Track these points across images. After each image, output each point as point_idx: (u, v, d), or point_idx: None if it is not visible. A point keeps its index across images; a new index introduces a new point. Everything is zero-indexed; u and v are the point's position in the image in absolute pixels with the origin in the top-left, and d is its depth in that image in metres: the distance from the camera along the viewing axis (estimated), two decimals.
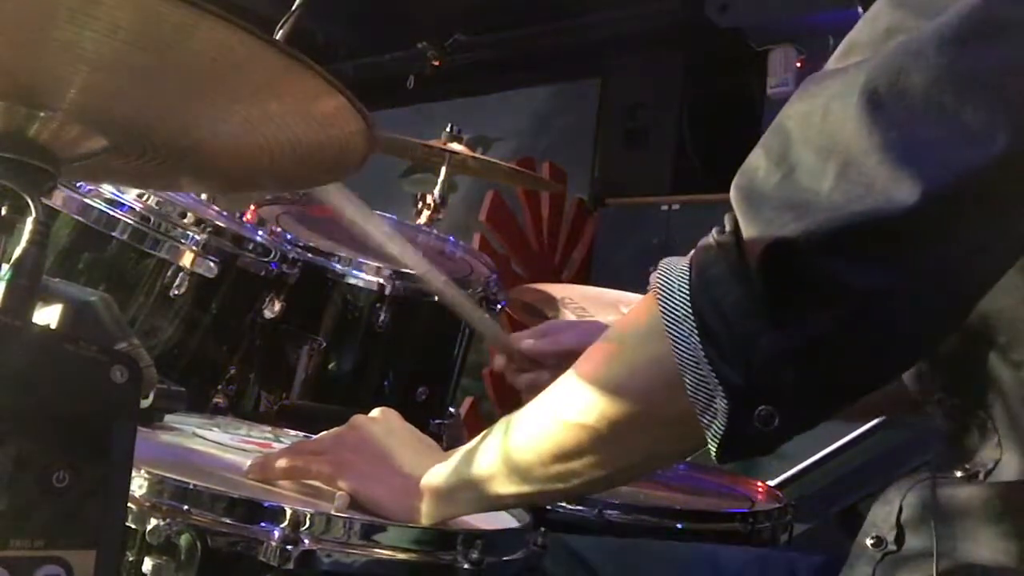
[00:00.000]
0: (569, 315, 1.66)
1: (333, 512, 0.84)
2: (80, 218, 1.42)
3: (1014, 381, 0.74)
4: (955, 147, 0.60)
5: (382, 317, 1.71)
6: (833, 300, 0.62)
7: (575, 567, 0.98)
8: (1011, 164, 0.60)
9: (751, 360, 0.63)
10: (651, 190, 4.10)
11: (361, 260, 1.73)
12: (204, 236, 1.49)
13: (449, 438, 1.83)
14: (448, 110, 4.46)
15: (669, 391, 0.67)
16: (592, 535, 1.15)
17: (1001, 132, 0.60)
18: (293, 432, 1.24)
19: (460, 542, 0.82)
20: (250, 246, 1.57)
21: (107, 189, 1.43)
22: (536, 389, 0.88)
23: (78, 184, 1.40)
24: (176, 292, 1.47)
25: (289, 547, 0.76)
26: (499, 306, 1.87)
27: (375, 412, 0.97)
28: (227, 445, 1.10)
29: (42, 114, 0.68)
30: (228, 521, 0.78)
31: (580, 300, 1.64)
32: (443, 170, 2.19)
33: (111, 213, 1.43)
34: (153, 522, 0.76)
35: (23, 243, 0.69)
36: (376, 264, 1.73)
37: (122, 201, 1.43)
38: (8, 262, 0.69)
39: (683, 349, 0.66)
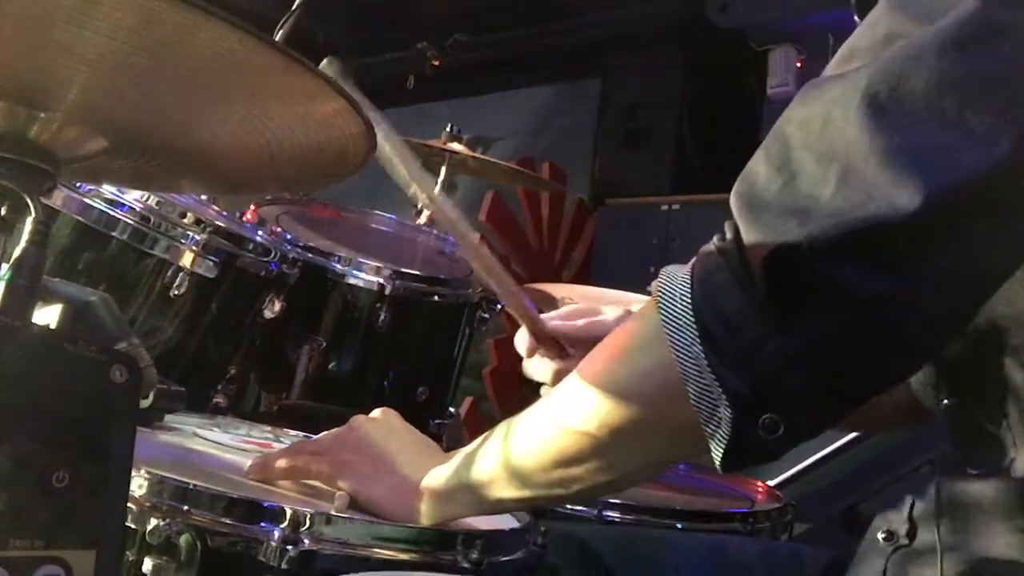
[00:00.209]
0: None
1: (333, 512, 0.84)
2: (80, 218, 1.42)
3: None
4: (957, 152, 0.60)
5: (382, 317, 1.71)
6: (837, 305, 0.62)
7: (580, 557, 0.98)
8: (1014, 168, 0.60)
9: (755, 367, 0.63)
10: (651, 190, 4.10)
11: (361, 260, 1.74)
12: (204, 236, 1.49)
13: (449, 438, 1.83)
14: (448, 110, 4.46)
15: (671, 399, 0.67)
16: None
17: (1003, 136, 0.60)
18: (293, 432, 1.24)
19: (460, 542, 0.82)
20: (250, 246, 1.57)
21: (107, 189, 1.43)
22: (560, 376, 0.86)
23: (78, 184, 1.40)
24: (176, 292, 1.47)
25: (289, 547, 0.76)
26: (499, 306, 1.87)
27: (375, 412, 0.97)
28: (227, 445, 1.10)
29: (42, 115, 0.68)
30: (228, 521, 0.78)
31: (580, 300, 1.63)
32: (443, 170, 2.19)
33: (111, 213, 1.43)
34: (153, 522, 0.76)
35: (23, 243, 0.69)
36: (376, 264, 1.73)
37: (122, 201, 1.44)
38: (8, 262, 0.69)
39: (685, 357, 0.65)
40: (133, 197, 1.44)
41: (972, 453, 0.78)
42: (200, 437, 1.10)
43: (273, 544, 0.76)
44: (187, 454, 1.01)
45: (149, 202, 1.46)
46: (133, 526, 0.76)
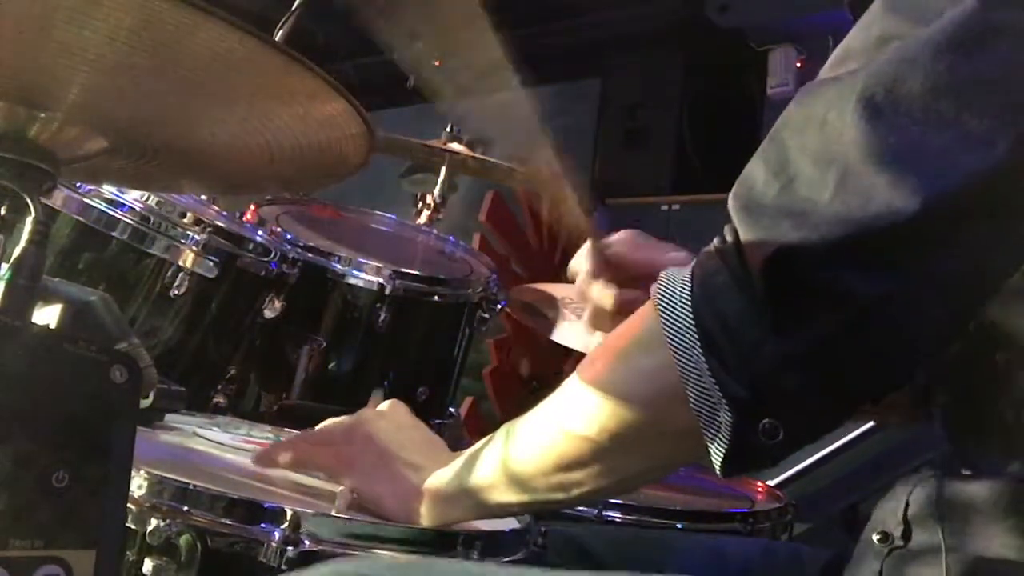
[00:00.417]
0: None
1: (334, 513, 0.84)
2: (80, 218, 1.42)
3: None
4: (955, 153, 0.60)
5: (382, 317, 1.71)
6: (835, 307, 0.62)
7: (578, 558, 0.98)
8: (1012, 169, 0.60)
9: (754, 369, 0.63)
10: (651, 190, 4.10)
11: (361, 260, 1.73)
12: (204, 236, 1.49)
13: (449, 438, 1.82)
14: (448, 110, 4.45)
15: (671, 403, 0.67)
16: None
17: (1001, 138, 0.59)
18: (293, 432, 1.24)
19: (460, 543, 0.82)
20: (250, 246, 1.57)
21: (107, 189, 1.43)
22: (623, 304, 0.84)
23: (78, 184, 1.40)
24: (176, 292, 1.47)
25: (289, 548, 0.76)
26: (499, 306, 1.87)
27: (384, 405, 0.97)
28: (227, 445, 1.10)
29: (42, 115, 0.69)
30: (228, 522, 0.78)
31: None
32: (443, 170, 2.19)
33: (111, 213, 1.43)
34: (153, 523, 0.76)
35: (23, 243, 0.69)
36: (376, 264, 1.73)
37: (122, 201, 1.43)
38: (8, 262, 0.69)
39: (685, 360, 0.65)
40: (133, 197, 1.44)
41: (968, 453, 0.78)
42: (200, 437, 1.10)
43: (273, 545, 0.76)
44: (187, 454, 1.01)
45: (149, 202, 1.46)
46: (133, 526, 0.76)
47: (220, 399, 1.58)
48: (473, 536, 0.83)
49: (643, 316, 0.73)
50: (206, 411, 1.44)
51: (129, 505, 0.73)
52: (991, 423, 0.77)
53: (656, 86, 4.29)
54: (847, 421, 0.71)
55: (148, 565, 0.76)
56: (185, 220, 1.49)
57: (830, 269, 0.61)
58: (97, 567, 0.63)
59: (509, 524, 0.93)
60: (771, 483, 1.72)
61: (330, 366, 1.76)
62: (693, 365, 0.65)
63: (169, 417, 1.11)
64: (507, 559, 0.86)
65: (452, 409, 1.95)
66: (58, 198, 1.39)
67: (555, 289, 1.78)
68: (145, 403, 0.77)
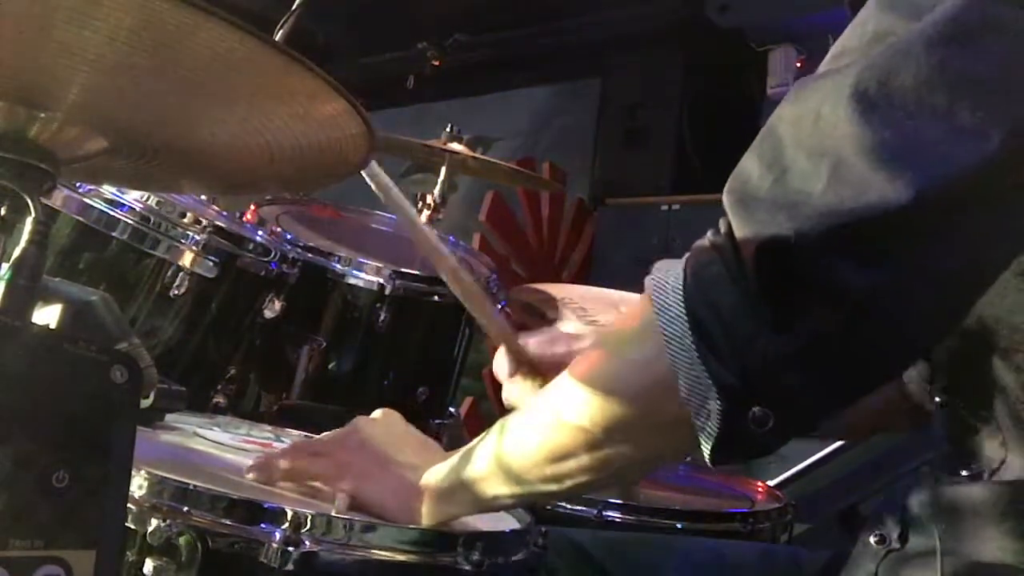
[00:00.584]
0: (569, 315, 1.65)
1: (334, 513, 0.84)
2: (80, 218, 1.42)
3: (1017, 384, 0.74)
4: (948, 146, 0.60)
5: (382, 317, 1.71)
6: (828, 299, 0.62)
7: (578, 561, 0.98)
8: (1005, 161, 0.60)
9: (746, 361, 0.63)
10: (651, 190, 4.10)
11: (361, 260, 1.74)
12: (204, 236, 1.49)
13: (449, 438, 1.83)
14: (448, 110, 4.46)
15: (663, 393, 0.67)
16: None
17: (994, 130, 0.60)
18: (293, 432, 1.24)
19: (461, 543, 0.82)
20: (250, 246, 1.57)
21: (107, 189, 1.43)
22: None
23: (78, 184, 1.40)
24: (176, 292, 1.48)
25: (290, 548, 0.76)
26: (499, 306, 1.87)
27: (376, 413, 0.97)
28: (227, 445, 1.10)
29: (42, 115, 0.68)
30: (228, 522, 0.78)
31: (580, 300, 1.62)
32: (443, 170, 2.19)
33: (111, 213, 1.43)
34: (153, 523, 0.76)
35: (23, 243, 0.69)
36: (376, 264, 1.73)
37: (122, 201, 1.44)
38: (8, 262, 0.69)
39: (677, 349, 0.65)
40: (133, 197, 1.44)
41: (964, 455, 0.78)
42: (200, 437, 1.10)
43: (274, 545, 0.76)
44: (187, 454, 1.01)
45: (149, 202, 1.46)
46: (133, 527, 0.76)
47: (220, 399, 1.58)
48: (474, 536, 0.83)
49: (637, 311, 0.73)
50: (206, 411, 1.44)
51: (129, 505, 0.73)
52: (984, 423, 0.77)
53: (656, 86, 4.29)
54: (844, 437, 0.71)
55: (148, 565, 0.76)
56: (185, 220, 1.49)
57: (822, 261, 0.62)
58: (97, 567, 0.63)
59: (509, 524, 0.94)
60: (771, 483, 1.72)
61: (330, 366, 1.76)
62: (684, 353, 0.65)
63: (169, 417, 1.11)
64: (507, 560, 0.86)
65: (452, 409, 1.95)
66: (58, 198, 1.40)
67: (555, 289, 1.78)
68: (145, 403, 0.77)
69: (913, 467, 2.52)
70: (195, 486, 0.80)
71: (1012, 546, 0.71)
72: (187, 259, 1.48)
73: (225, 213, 1.63)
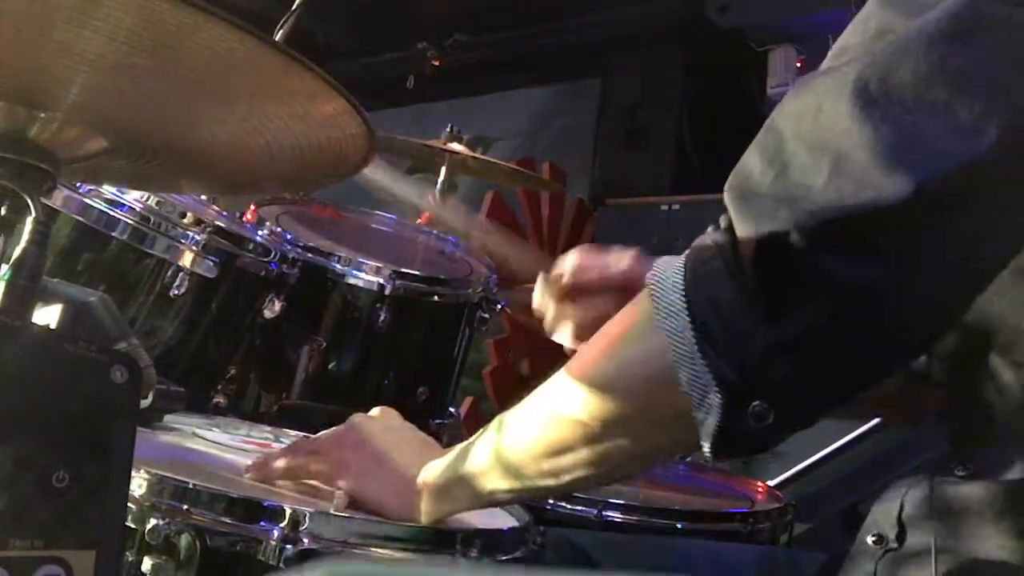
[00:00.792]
0: None
1: (332, 511, 0.84)
2: (80, 218, 1.42)
3: (1015, 382, 0.74)
4: (947, 141, 0.60)
5: (382, 317, 1.71)
6: (827, 294, 0.62)
7: (577, 562, 0.98)
8: (1003, 157, 0.60)
9: (744, 356, 0.63)
10: (651, 190, 4.09)
11: (361, 260, 1.74)
12: (204, 236, 1.49)
13: (449, 438, 1.82)
14: (448, 110, 4.46)
15: (662, 388, 0.67)
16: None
17: (993, 126, 0.60)
18: (293, 432, 1.24)
19: (459, 541, 0.82)
20: (250, 246, 1.57)
21: (107, 189, 1.43)
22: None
23: (78, 184, 1.40)
24: (176, 292, 1.48)
25: (288, 546, 0.76)
26: (499, 306, 1.87)
27: (374, 411, 0.97)
28: (227, 445, 1.10)
29: (42, 115, 0.69)
30: (228, 520, 0.78)
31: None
32: (443, 170, 2.19)
33: (111, 213, 1.43)
34: (153, 522, 0.76)
35: (23, 243, 0.69)
36: (376, 264, 1.73)
37: (122, 201, 1.44)
38: (8, 262, 0.69)
39: (677, 344, 0.65)
40: (133, 197, 1.44)
41: (963, 453, 0.78)
42: (200, 437, 1.11)
43: (272, 543, 0.76)
44: (187, 454, 1.01)
45: (149, 202, 1.46)
46: (133, 526, 0.76)
47: (220, 399, 1.58)
48: (472, 534, 0.83)
49: (635, 307, 0.73)
50: (206, 411, 1.44)
51: (129, 505, 0.73)
52: (983, 421, 0.77)
53: (656, 86, 4.28)
54: (846, 416, 0.71)
55: (147, 564, 0.76)
56: (185, 220, 1.49)
57: (821, 255, 0.62)
58: (97, 567, 0.63)
59: (508, 522, 0.94)
60: (771, 483, 1.72)
61: (330, 366, 1.76)
62: (685, 348, 0.65)
63: (168, 418, 1.11)
64: (505, 557, 0.86)
65: (452, 409, 1.95)
66: (58, 198, 1.39)
67: None
68: (145, 403, 0.77)
69: (913, 467, 2.52)
70: (194, 485, 0.80)
71: (1011, 544, 0.71)
72: (187, 259, 1.48)
73: (225, 213, 1.63)
